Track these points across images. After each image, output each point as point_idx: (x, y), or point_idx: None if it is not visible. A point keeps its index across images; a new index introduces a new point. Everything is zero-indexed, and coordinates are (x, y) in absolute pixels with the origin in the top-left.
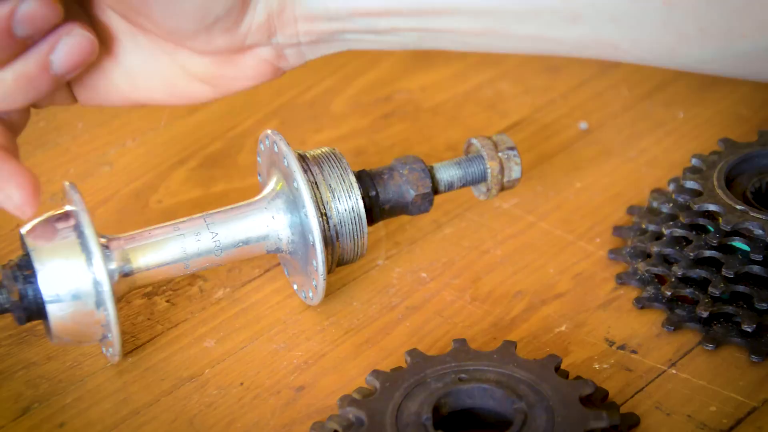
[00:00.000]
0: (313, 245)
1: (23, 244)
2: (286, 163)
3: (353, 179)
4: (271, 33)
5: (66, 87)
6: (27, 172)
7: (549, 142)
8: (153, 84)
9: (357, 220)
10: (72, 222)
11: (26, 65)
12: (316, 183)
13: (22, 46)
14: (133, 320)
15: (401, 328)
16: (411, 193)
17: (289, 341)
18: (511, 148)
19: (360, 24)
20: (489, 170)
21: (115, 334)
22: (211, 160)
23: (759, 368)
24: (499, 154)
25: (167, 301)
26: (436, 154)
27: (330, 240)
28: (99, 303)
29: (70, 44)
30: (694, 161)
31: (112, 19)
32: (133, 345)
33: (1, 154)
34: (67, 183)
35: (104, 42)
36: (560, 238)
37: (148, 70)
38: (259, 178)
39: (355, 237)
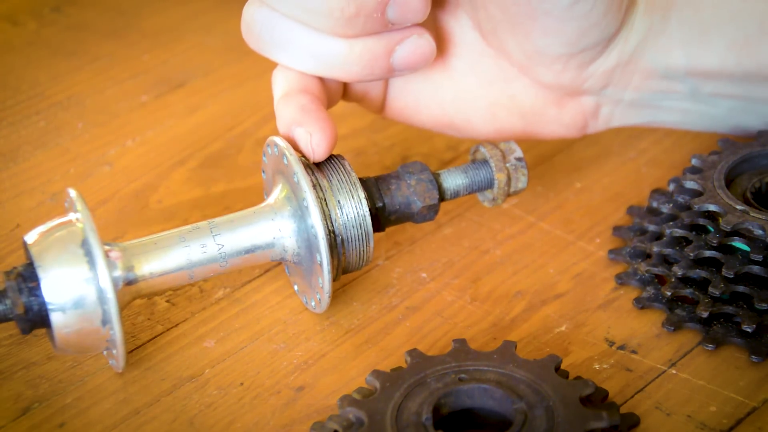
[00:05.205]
0: (320, 264)
1: (27, 253)
2: (296, 179)
3: (362, 195)
4: (607, 83)
5: (382, 92)
6: (332, 123)
7: (549, 142)
8: (477, 106)
9: (364, 236)
10: (76, 230)
11: (376, 44)
12: (324, 199)
13: (382, 26)
14: (133, 320)
15: (401, 329)
16: (418, 204)
17: (289, 341)
18: (519, 159)
19: (687, 86)
20: (497, 182)
21: (119, 342)
22: (211, 160)
23: (759, 368)
24: (507, 165)
25: (167, 301)
26: (436, 154)
27: (336, 253)
28: (105, 316)
29: (416, 44)
30: (694, 161)
31: (464, 34)
32: (133, 345)
33: (316, 102)
34: (71, 191)
35: (445, 52)
36: (560, 238)
37: (478, 92)
38: (263, 174)
39: (361, 250)
